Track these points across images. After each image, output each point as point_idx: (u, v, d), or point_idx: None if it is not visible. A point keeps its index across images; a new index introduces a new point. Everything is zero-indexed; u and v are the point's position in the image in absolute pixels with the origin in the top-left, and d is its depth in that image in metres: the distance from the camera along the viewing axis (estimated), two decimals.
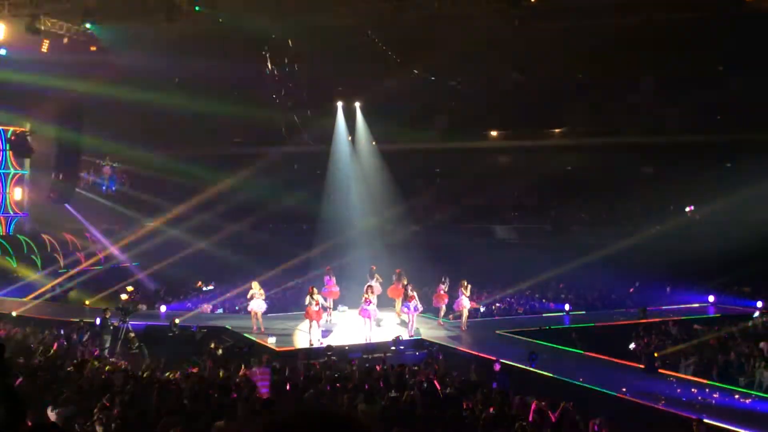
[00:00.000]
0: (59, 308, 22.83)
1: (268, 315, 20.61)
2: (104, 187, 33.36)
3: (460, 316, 20.69)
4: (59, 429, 5.19)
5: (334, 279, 21.56)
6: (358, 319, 19.24)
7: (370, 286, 19.63)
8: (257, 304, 19.48)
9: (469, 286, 20.45)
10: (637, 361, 16.97)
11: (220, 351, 17.45)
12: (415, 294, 19.52)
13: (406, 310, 19.49)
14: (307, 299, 18.30)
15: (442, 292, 20.65)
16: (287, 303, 23.45)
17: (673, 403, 13.17)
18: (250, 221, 30.02)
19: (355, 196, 30.06)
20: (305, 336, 18.54)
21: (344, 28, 23.19)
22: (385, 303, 21.76)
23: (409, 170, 30.74)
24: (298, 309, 20.57)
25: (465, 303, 20.19)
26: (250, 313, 19.89)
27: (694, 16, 21.84)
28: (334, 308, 21.88)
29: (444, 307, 20.85)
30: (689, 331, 19.51)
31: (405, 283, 20.82)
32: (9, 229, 29.72)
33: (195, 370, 14.40)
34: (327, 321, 20.41)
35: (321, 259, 24.81)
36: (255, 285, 19.60)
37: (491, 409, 10.91)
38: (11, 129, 29.26)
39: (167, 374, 14.02)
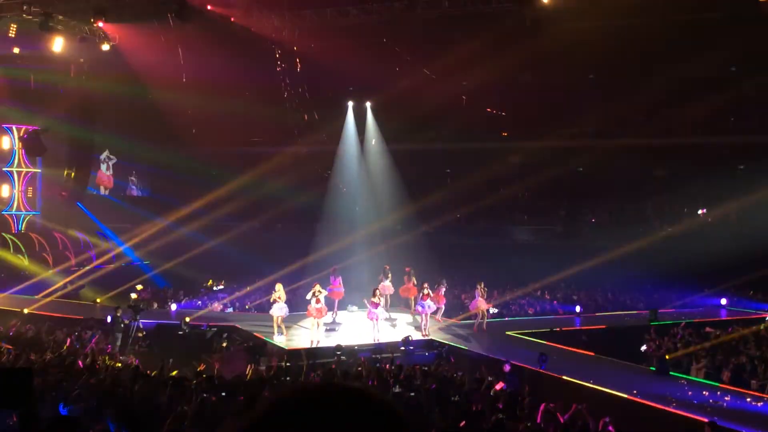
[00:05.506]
0: (71, 306, 22.90)
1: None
2: (127, 190, 33.46)
3: (470, 317, 20.67)
4: (72, 424, 5.21)
5: (340, 279, 21.04)
6: (367, 320, 19.12)
7: (376, 289, 19.39)
8: (279, 308, 18.51)
9: (486, 289, 20.35)
10: (649, 363, 16.89)
11: (225, 344, 17.48)
12: (430, 293, 19.46)
13: (420, 309, 19.41)
14: (309, 296, 18.23)
15: (441, 292, 20.54)
16: (299, 301, 23.44)
17: (685, 406, 13.08)
18: (260, 220, 30.07)
19: (365, 196, 30.07)
20: (309, 335, 18.46)
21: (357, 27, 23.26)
22: (397, 303, 21.72)
23: (419, 171, 30.71)
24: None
25: (481, 305, 20.08)
26: (271, 317, 18.79)
27: (707, 17, 21.74)
28: (343, 308, 21.76)
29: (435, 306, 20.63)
30: (701, 334, 19.39)
31: (415, 281, 20.80)
32: (18, 227, 29.82)
33: (202, 368, 14.49)
34: (333, 320, 20.34)
35: (330, 258, 24.74)
36: (279, 288, 18.60)
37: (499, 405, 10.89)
38: (24, 127, 29.41)
39: (175, 372, 14.08)
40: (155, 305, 23.31)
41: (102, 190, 32.55)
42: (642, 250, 24.92)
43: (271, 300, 18.77)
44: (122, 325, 18.31)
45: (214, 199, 29.86)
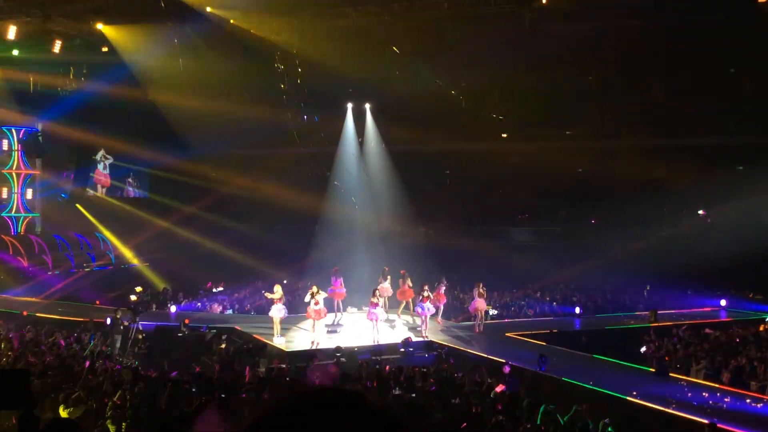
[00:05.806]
0: (70, 308, 22.88)
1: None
2: (125, 191, 33.44)
3: (469, 318, 20.67)
4: (71, 426, 5.20)
5: (341, 280, 21.02)
6: (366, 322, 19.12)
7: (376, 290, 19.38)
8: (278, 310, 18.58)
9: (485, 290, 20.35)
10: (648, 364, 16.88)
11: (223, 345, 17.48)
12: (430, 295, 19.42)
13: (420, 310, 19.40)
14: (308, 298, 18.22)
15: (441, 291, 20.56)
16: (298, 303, 23.43)
17: (684, 407, 13.08)
18: (259, 221, 30.05)
19: (364, 197, 30.06)
20: (309, 336, 18.46)
21: (355, 29, 23.25)
22: (396, 305, 21.71)
23: (419, 171, 30.68)
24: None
25: (480, 305, 20.08)
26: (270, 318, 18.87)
27: (707, 18, 21.73)
28: (343, 309, 21.70)
29: (434, 307, 20.57)
30: (700, 335, 19.38)
31: (410, 284, 20.77)
32: (17, 229, 29.76)
33: (198, 370, 14.48)
34: (334, 321, 20.34)
35: (330, 260, 24.69)
36: (278, 289, 18.69)
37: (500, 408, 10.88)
38: (23, 129, 29.39)
39: (174, 373, 14.07)
40: (154, 307, 23.31)
41: (99, 189, 32.55)
42: (642, 251, 24.90)
43: (268, 297, 18.79)
44: (122, 327, 18.31)
45: (213, 201, 29.87)
